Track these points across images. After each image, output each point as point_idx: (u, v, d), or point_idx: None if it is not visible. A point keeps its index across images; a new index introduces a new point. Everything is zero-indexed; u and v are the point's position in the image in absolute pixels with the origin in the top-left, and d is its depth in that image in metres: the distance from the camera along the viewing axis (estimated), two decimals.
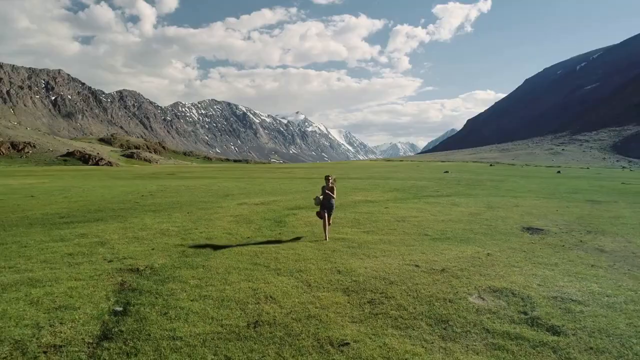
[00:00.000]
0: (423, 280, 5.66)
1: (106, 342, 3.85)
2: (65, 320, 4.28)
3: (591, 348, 3.64)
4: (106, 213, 13.20)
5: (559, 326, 4.08)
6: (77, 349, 3.69)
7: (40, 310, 4.58)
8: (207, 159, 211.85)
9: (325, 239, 8.54)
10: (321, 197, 8.90)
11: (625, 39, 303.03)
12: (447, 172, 48.09)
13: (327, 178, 9.15)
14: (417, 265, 6.45)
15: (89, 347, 3.75)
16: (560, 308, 4.57)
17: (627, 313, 4.44)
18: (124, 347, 3.73)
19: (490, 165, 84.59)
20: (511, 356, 3.53)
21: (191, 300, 4.87)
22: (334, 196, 8.95)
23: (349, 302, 4.83)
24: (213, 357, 3.50)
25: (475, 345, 3.74)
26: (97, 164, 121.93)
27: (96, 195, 19.51)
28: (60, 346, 3.74)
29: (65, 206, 15.09)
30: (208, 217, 12.10)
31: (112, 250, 7.77)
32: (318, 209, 9.05)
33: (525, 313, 4.44)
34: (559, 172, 54.51)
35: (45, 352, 3.60)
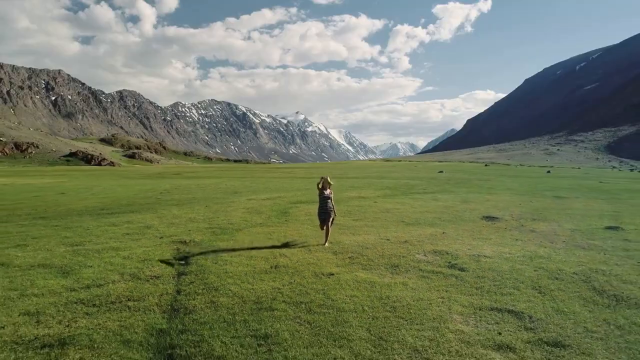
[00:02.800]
0: (389, 247, 8.08)
1: (184, 276, 6.25)
2: (153, 265, 6.70)
3: (479, 276, 6.05)
4: (137, 206, 15.58)
5: (466, 267, 6.49)
6: (168, 279, 6.10)
7: (133, 261, 7.00)
8: (208, 159, 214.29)
9: (324, 243, 8.24)
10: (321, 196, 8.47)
11: (625, 39, 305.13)
12: (441, 172, 50.42)
13: (324, 183, 8.56)
14: (387, 239, 8.87)
15: (174, 278, 6.16)
16: (473, 260, 6.98)
17: (514, 261, 6.86)
18: (196, 277, 6.14)
19: (486, 165, 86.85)
20: (429, 280, 5.93)
21: (230, 257, 7.29)
22: (332, 201, 8.57)
23: (335, 258, 7.25)
24: (252, 279, 5.91)
25: (410, 276, 6.15)
26: (99, 164, 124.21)
27: (119, 193, 21.91)
28: (157, 277, 6.16)
29: (99, 201, 17.50)
30: (224, 209, 14.49)
31: (158, 231, 10.17)
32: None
33: (449, 262, 6.85)
34: (548, 172, 56.85)
35: (151, 279, 6.01)
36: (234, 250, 7.85)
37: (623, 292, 5.24)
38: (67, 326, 4.29)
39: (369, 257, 7.29)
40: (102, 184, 30.27)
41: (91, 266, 6.64)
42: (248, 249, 7.98)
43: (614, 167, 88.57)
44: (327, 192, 8.51)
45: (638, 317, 4.48)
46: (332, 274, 6.14)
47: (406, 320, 4.37)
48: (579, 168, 78.61)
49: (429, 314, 4.56)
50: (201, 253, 7.65)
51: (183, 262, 7.10)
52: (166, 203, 16.62)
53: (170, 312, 4.76)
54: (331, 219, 8.47)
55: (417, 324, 4.28)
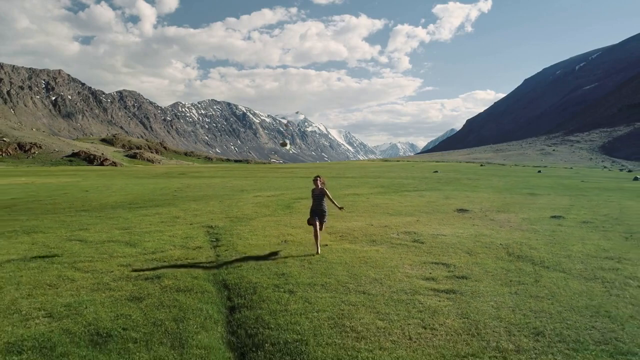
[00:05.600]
0: (371, 229, 10.43)
1: (218, 247, 8.60)
2: (195, 240, 9.06)
3: (432, 246, 8.39)
4: (158, 202, 17.90)
5: (424, 241, 8.84)
6: (208, 249, 8.45)
7: (178, 238, 9.35)
8: (208, 159, 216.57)
9: (317, 252, 7.83)
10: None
11: (624, 38, 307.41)
12: (436, 171, 52.79)
13: (315, 180, 8.37)
14: (371, 225, 11.22)
15: (212, 248, 8.50)
16: (432, 237, 9.34)
17: (462, 237, 9.21)
18: (228, 247, 8.48)
19: (481, 165, 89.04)
20: (395, 248, 8.27)
21: (250, 236, 9.65)
22: (329, 196, 8.23)
23: (329, 236, 9.61)
24: (269, 248, 8.27)
25: (383, 246, 8.49)
26: (101, 164, 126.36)
27: (137, 190, 24.23)
28: (200, 247, 8.51)
29: (123, 197, 19.83)
30: (236, 204, 16.83)
31: (186, 220, 12.50)
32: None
33: (413, 238, 9.20)
34: (539, 171, 59.17)
35: (196, 248, 8.37)
36: (251, 232, 10.21)
37: (526, 254, 7.60)
38: (154, 270, 6.65)
39: (354, 235, 9.66)
40: (117, 183, 32.59)
41: (148, 241, 9.00)
42: (262, 231, 10.34)
43: (605, 167, 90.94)
44: (320, 189, 8.27)
45: (525, 266, 6.82)
46: (326, 245, 8.50)
47: (372, 267, 6.73)
48: (571, 168, 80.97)
49: (389, 264, 6.91)
50: (227, 234, 10.01)
51: (214, 240, 9.45)
52: (183, 199, 18.94)
53: (216, 267, 7.11)
54: (324, 221, 8.21)
55: (379, 268, 6.63)
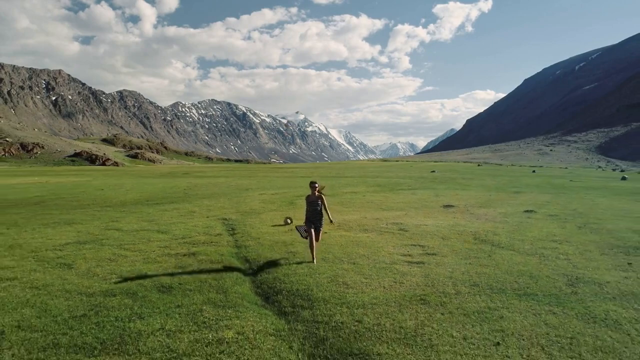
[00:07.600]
0: (364, 221, 12.11)
1: (235, 234, 10.27)
2: (215, 229, 10.73)
3: (413, 233, 10.07)
4: (172, 199, 19.56)
5: (408, 230, 10.52)
6: (227, 235, 10.11)
7: (200, 227, 11.03)
8: (208, 159, 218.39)
9: (313, 261, 7.28)
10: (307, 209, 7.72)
11: (624, 38, 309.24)
12: (433, 171, 54.48)
13: (312, 185, 7.66)
14: (365, 217, 12.90)
15: (230, 235, 10.16)
16: (415, 226, 11.01)
17: (440, 227, 10.89)
18: (243, 234, 10.15)
19: (479, 165, 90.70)
20: (383, 235, 9.94)
21: (261, 225, 11.33)
22: (325, 205, 7.60)
23: (328, 226, 11.27)
24: (279, 234, 9.94)
25: (373, 233, 10.17)
26: (103, 164, 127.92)
27: (149, 189, 25.89)
28: (220, 234, 10.17)
29: (138, 195, 21.49)
30: (243, 201, 18.50)
31: (202, 214, 14.16)
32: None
33: (400, 227, 10.87)
34: (533, 171, 60.86)
35: (217, 235, 10.04)
36: (261, 223, 11.89)
37: (489, 238, 9.28)
38: (188, 249, 8.33)
39: (349, 225, 11.34)
40: (127, 182, 34.26)
41: (176, 230, 10.68)
42: (270, 222, 12.02)
43: (599, 167, 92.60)
44: (317, 195, 7.68)
45: (484, 246, 8.50)
46: (326, 232, 10.18)
47: (362, 247, 8.42)
48: (566, 168, 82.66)
49: (375, 245, 8.60)
50: (240, 224, 11.69)
51: (231, 229, 11.13)
52: (194, 197, 20.61)
53: (236, 247, 8.80)
54: (320, 228, 7.67)
55: (367, 248, 8.32)
